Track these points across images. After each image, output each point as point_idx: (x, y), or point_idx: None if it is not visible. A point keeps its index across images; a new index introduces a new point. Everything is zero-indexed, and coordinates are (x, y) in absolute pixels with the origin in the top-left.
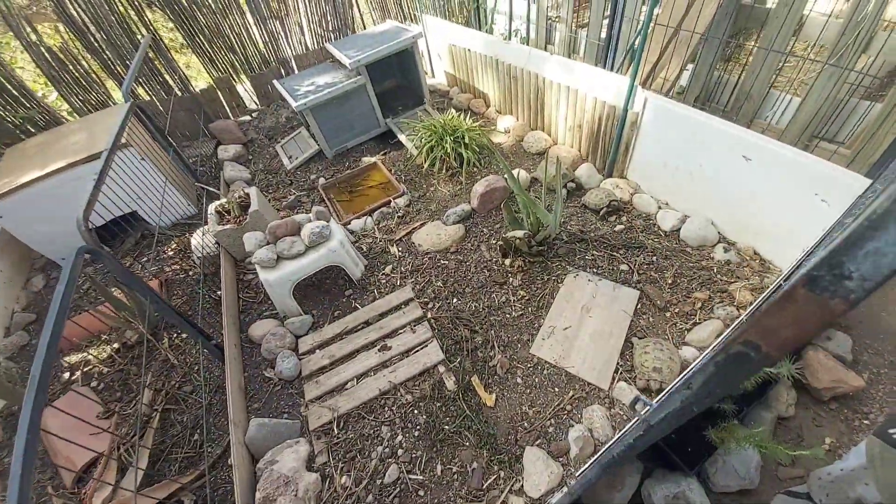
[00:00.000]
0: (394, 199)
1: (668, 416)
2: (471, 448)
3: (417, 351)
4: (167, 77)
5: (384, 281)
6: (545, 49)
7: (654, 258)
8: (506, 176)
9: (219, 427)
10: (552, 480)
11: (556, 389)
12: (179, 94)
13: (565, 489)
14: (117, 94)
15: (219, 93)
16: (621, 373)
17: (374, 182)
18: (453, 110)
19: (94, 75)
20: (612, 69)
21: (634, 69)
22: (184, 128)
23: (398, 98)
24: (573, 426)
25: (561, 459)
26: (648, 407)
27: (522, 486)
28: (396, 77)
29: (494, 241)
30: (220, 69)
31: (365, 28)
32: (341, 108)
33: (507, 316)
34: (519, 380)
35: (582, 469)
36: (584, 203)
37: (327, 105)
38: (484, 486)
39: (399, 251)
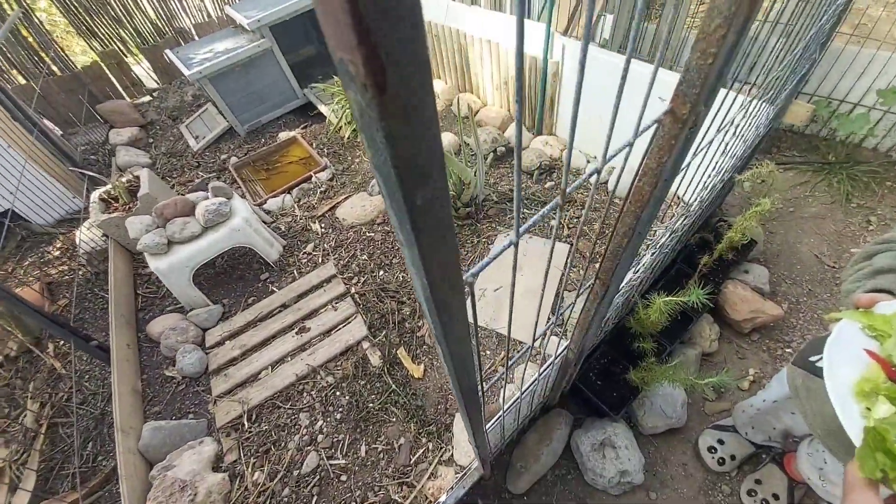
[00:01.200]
0: (315, 173)
1: None
2: (398, 423)
3: (340, 329)
4: (44, 56)
5: (305, 260)
6: (469, 2)
7: (583, 212)
8: None
9: (114, 438)
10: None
11: (488, 352)
12: (58, 73)
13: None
14: None
15: (105, 69)
16: (553, 327)
17: (294, 158)
18: None
19: None
20: (529, 18)
21: (549, 15)
22: (67, 112)
23: (316, 66)
24: (504, 387)
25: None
26: None
27: (452, 454)
28: (313, 43)
29: None
30: (105, 43)
31: None
32: (247, 77)
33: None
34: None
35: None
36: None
37: (229, 73)
38: (412, 461)
39: (322, 228)
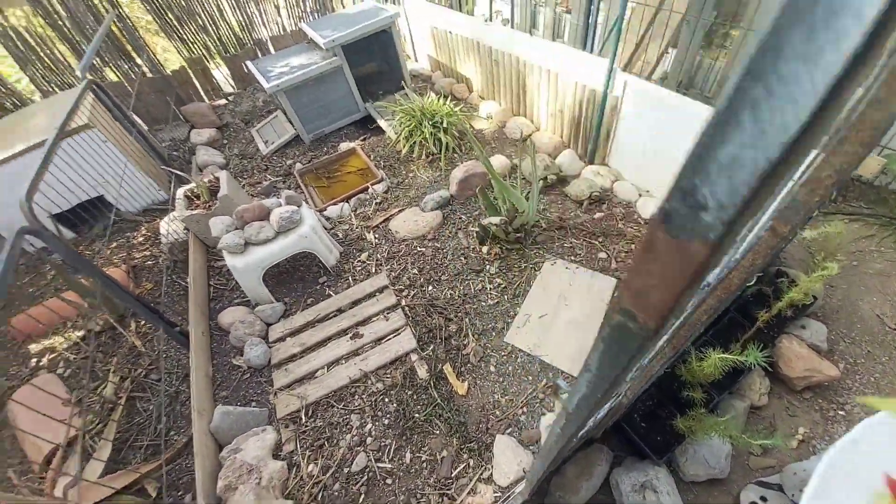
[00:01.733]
0: (372, 185)
1: (580, 401)
2: (441, 436)
3: (390, 339)
4: (136, 57)
5: (359, 268)
6: (529, 33)
7: (633, 246)
8: (491, 172)
9: (186, 416)
10: (521, 469)
11: (530, 378)
12: (150, 74)
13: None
14: None
15: (191, 74)
16: None
17: (353, 168)
18: (433, 94)
19: (61, 56)
20: (591, 52)
21: (613, 51)
22: (155, 111)
23: (378, 82)
24: (545, 414)
25: (532, 448)
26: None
27: (492, 474)
28: (376, 60)
29: (472, 229)
30: (193, 50)
31: (344, 8)
32: (317, 90)
33: (483, 304)
34: (492, 368)
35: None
36: (566, 193)
37: (302, 87)
38: (453, 475)
39: (375, 238)
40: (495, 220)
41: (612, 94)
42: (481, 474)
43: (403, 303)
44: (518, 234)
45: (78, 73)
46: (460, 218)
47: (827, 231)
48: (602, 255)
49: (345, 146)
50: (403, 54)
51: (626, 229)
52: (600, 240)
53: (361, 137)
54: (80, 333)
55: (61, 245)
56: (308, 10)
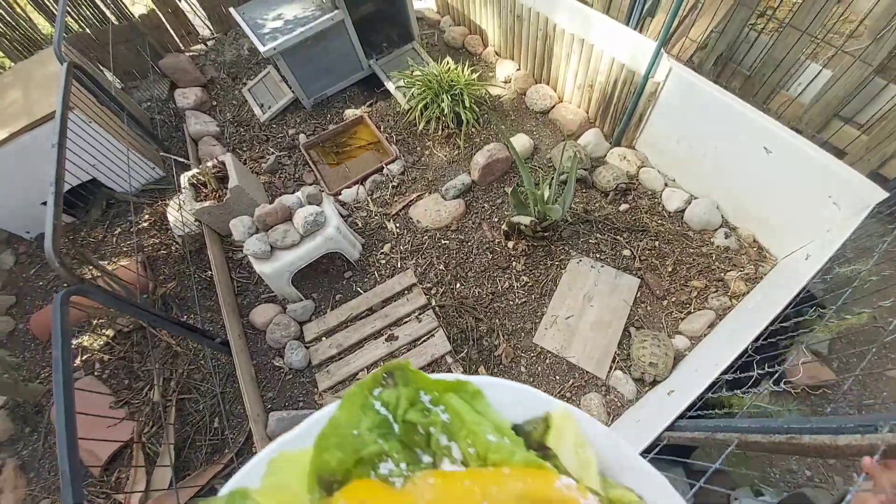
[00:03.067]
0: (386, 164)
1: None
2: None
3: (425, 341)
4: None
5: (384, 261)
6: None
7: (657, 243)
8: (512, 157)
9: (236, 414)
10: None
11: (557, 378)
12: (116, 21)
13: None
14: (47, 29)
15: (161, 17)
16: (618, 362)
17: (362, 140)
18: (449, 60)
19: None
20: (636, 28)
21: (665, 34)
22: (127, 63)
23: (381, 31)
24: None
25: None
26: None
27: None
28: (379, 5)
29: (497, 221)
30: None
31: None
32: (317, 48)
33: (511, 303)
34: (523, 369)
35: None
36: (593, 182)
37: (300, 47)
38: None
39: (397, 227)
40: (525, 220)
41: (653, 79)
42: None
43: (433, 302)
44: (545, 233)
45: (54, 54)
46: (483, 207)
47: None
48: (626, 252)
49: (350, 113)
50: (410, 4)
51: (650, 224)
52: (625, 235)
53: (367, 103)
54: (111, 332)
55: (111, 298)
56: None
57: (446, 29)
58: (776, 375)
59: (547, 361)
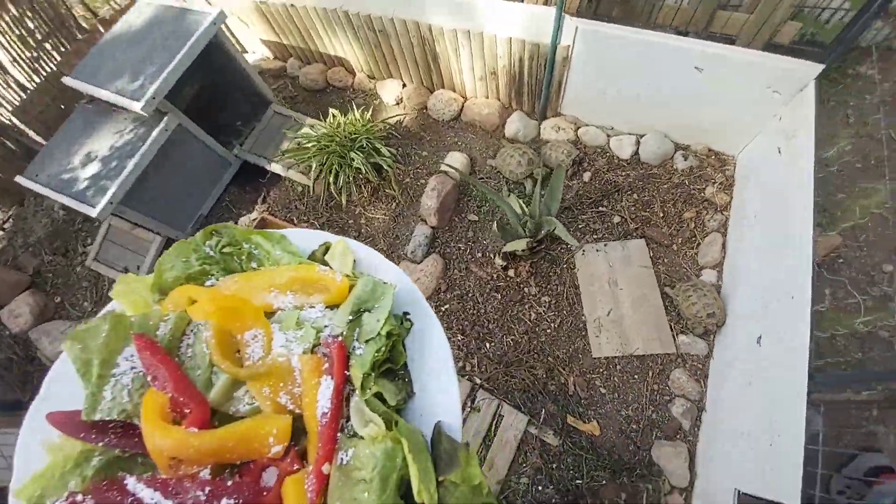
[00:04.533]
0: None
1: None
2: (609, 483)
3: (496, 427)
4: None
5: None
6: None
7: (635, 195)
8: (459, 181)
9: None
10: (687, 462)
11: (637, 377)
12: None
13: None
14: None
15: None
16: (675, 327)
17: None
18: (333, 112)
19: None
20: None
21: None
22: None
23: (228, 111)
24: (671, 401)
25: (678, 437)
26: None
27: (670, 483)
28: (211, 86)
29: (482, 256)
30: None
31: (108, 30)
32: (163, 171)
33: (549, 331)
34: (602, 390)
35: None
36: (546, 164)
37: (142, 181)
38: None
39: None
40: (521, 244)
41: (561, 44)
42: (665, 493)
43: (478, 381)
44: (541, 245)
45: None
46: (459, 249)
47: None
48: (616, 219)
49: (245, 222)
50: (245, 62)
51: (618, 180)
52: (605, 204)
53: (259, 199)
54: None
55: None
56: (45, 48)
57: (298, 73)
58: None
59: (618, 368)
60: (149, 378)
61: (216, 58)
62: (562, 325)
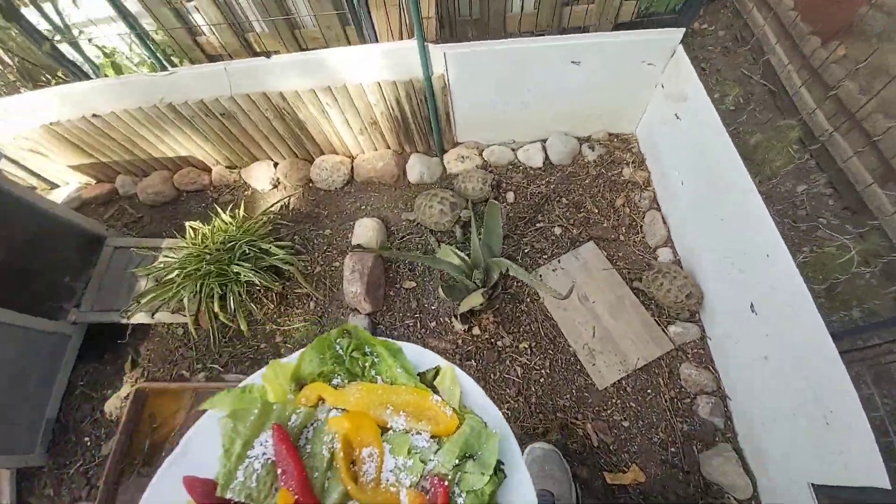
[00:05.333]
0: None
1: None
2: None
3: None
4: None
5: None
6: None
7: (564, 200)
8: (379, 253)
9: None
10: (740, 465)
11: (650, 391)
12: None
13: None
14: None
15: None
16: (662, 321)
17: (172, 410)
18: (192, 227)
19: None
20: (373, 39)
21: (418, 28)
22: None
23: (39, 270)
24: (693, 403)
25: (717, 439)
26: None
27: (735, 499)
28: (1, 249)
29: (436, 325)
30: None
31: None
32: None
33: (542, 381)
34: (624, 423)
35: None
36: (463, 196)
37: None
38: None
39: None
40: (477, 298)
41: (435, 75)
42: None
43: None
44: (496, 290)
45: None
46: (408, 326)
47: None
48: (557, 230)
49: (113, 407)
50: (54, 204)
51: (541, 191)
52: (540, 219)
53: (126, 364)
54: None
55: None
56: None
57: (134, 190)
58: None
59: (629, 390)
60: (279, 471)
61: (2, 212)
62: (553, 368)
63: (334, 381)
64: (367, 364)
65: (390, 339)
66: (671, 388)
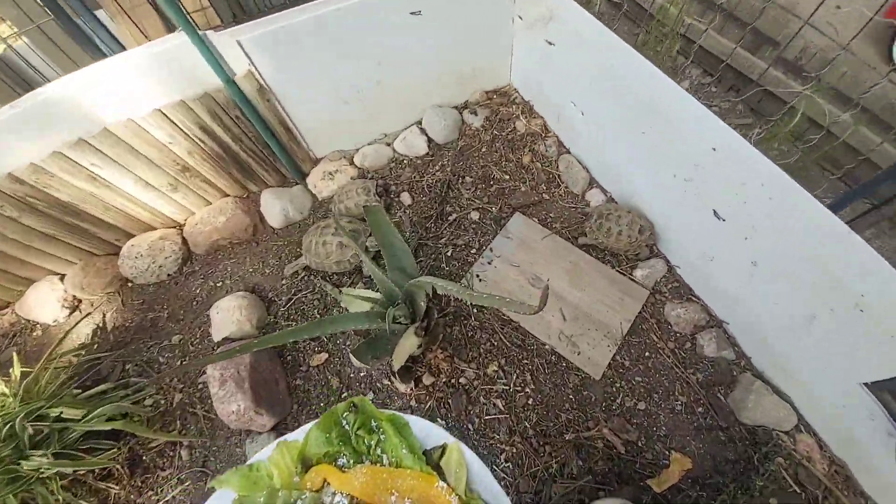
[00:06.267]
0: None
1: None
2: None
3: None
4: None
5: None
6: None
7: (467, 178)
8: (323, 332)
9: None
10: (771, 391)
11: (648, 353)
12: None
13: None
14: None
15: None
16: (624, 267)
17: None
18: None
19: None
20: (109, 51)
21: (175, 10)
22: None
23: None
24: (696, 345)
25: (735, 372)
26: None
27: (783, 432)
28: None
29: (373, 395)
30: None
31: None
32: None
33: (532, 402)
34: (640, 406)
35: None
36: (351, 216)
37: None
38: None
39: None
40: (411, 343)
41: (241, 75)
42: (789, 447)
43: None
44: (431, 321)
45: None
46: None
47: None
48: (474, 215)
49: None
50: None
51: (438, 178)
52: (450, 210)
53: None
54: None
55: None
56: None
57: None
58: None
59: (627, 364)
60: None
61: None
62: (537, 379)
63: (340, 461)
64: (373, 442)
65: (398, 413)
66: (667, 339)
